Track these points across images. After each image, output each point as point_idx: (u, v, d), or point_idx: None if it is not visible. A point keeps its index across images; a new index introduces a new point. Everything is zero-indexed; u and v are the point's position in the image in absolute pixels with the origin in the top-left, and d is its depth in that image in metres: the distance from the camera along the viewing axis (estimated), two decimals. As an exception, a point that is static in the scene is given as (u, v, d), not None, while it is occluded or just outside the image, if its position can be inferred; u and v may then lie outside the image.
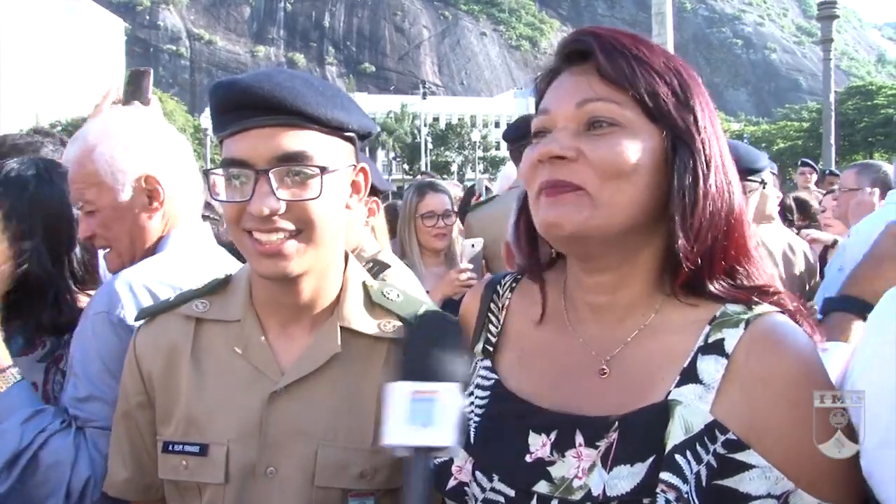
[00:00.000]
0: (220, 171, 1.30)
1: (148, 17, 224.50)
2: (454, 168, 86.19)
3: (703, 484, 1.02)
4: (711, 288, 1.14)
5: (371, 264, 2.58)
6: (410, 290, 1.65)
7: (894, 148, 59.35)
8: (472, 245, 3.19)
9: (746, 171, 2.69)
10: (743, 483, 1.02)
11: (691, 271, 1.12)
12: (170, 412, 1.42)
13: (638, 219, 1.11)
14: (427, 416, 1.06)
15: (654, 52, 1.14)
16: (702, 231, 1.11)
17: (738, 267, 1.16)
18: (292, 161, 1.25)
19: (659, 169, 1.11)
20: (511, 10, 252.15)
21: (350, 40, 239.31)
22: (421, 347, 1.16)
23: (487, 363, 1.29)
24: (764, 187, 2.92)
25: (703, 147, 1.12)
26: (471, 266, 3.14)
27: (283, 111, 1.25)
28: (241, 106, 1.26)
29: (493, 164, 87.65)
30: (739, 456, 1.03)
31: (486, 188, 5.59)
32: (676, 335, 1.14)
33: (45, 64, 61.34)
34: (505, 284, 1.37)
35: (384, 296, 1.47)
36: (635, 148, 1.09)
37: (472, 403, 1.26)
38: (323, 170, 1.26)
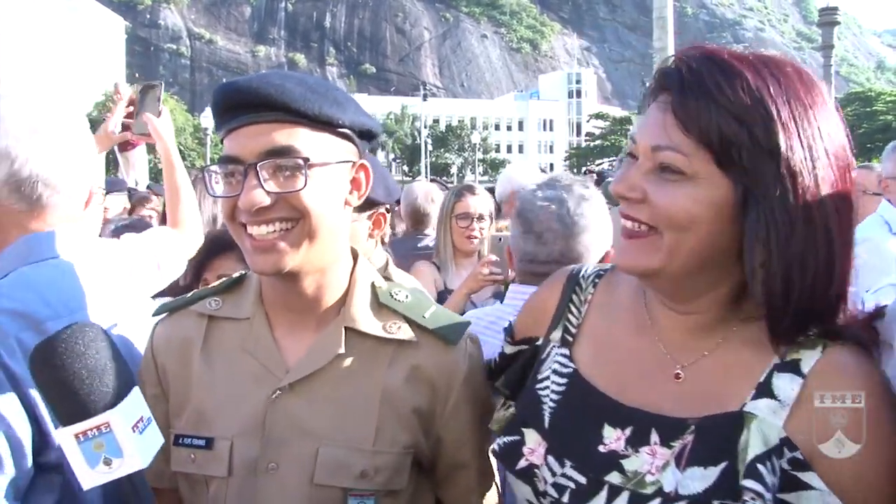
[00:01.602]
0: (216, 168, 1.35)
1: (149, 16, 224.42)
2: (454, 170, 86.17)
3: (773, 494, 1.06)
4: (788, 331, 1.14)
5: None
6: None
7: (893, 154, 59.34)
8: (500, 239, 3.14)
9: None
10: (801, 500, 1.06)
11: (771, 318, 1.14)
12: (182, 406, 1.46)
13: (704, 263, 1.14)
14: (109, 450, 1.03)
15: (741, 90, 1.08)
16: (776, 286, 1.10)
17: (820, 319, 1.14)
18: (279, 155, 1.28)
19: (725, 217, 1.10)
20: (512, 13, 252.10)
21: (351, 41, 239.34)
22: (61, 385, 1.08)
23: (565, 351, 1.34)
24: None
25: (784, 198, 1.07)
26: (495, 258, 3.10)
27: (270, 107, 1.29)
28: (234, 106, 1.31)
29: (493, 167, 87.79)
30: (802, 476, 1.07)
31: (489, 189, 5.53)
32: (753, 351, 1.16)
33: (46, 61, 61.26)
34: (588, 279, 1.41)
35: (392, 297, 1.48)
36: (694, 201, 1.10)
37: (547, 388, 1.31)
38: (306, 161, 1.29)
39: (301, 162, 1.28)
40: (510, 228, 2.34)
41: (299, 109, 1.30)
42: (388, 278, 2.55)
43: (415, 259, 4.07)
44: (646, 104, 1.21)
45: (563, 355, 1.33)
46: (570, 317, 1.38)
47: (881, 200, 4.10)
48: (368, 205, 2.24)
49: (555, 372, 1.32)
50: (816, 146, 1.09)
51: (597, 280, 1.41)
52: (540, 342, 1.40)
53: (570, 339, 1.35)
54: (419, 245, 4.42)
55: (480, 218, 3.78)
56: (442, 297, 3.62)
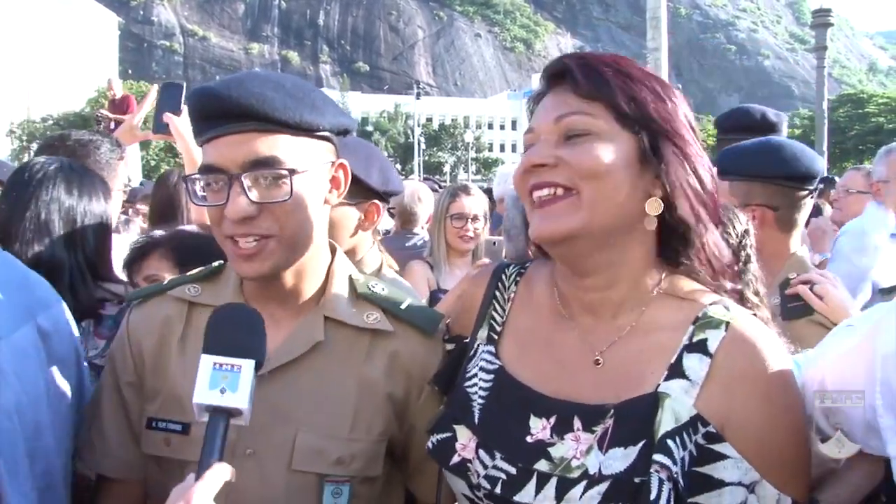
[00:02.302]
0: (198, 176, 1.36)
1: (142, 13, 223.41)
2: (447, 169, 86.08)
3: (685, 468, 1.14)
4: (685, 259, 1.29)
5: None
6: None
7: (885, 156, 59.60)
8: (494, 243, 3.17)
9: (800, 178, 2.38)
10: (717, 470, 1.15)
11: (672, 241, 1.28)
12: (157, 390, 1.47)
13: (621, 217, 1.23)
14: (227, 384, 1.19)
15: (631, 65, 1.27)
16: (687, 202, 1.24)
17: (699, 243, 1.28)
18: (263, 166, 1.30)
19: (634, 169, 1.23)
20: (506, 12, 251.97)
21: (344, 39, 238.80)
22: (226, 326, 1.25)
23: (491, 349, 1.39)
24: (819, 195, 2.57)
25: (685, 136, 1.25)
26: (489, 261, 3.12)
27: (253, 117, 1.30)
28: (214, 114, 1.31)
29: (486, 166, 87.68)
30: (716, 447, 1.16)
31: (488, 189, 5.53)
32: (664, 333, 1.25)
33: (38, 57, 60.92)
34: (511, 276, 1.46)
35: (370, 289, 1.51)
36: (608, 151, 1.21)
37: (476, 385, 1.36)
38: (292, 172, 1.31)
39: (286, 172, 1.31)
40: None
41: (280, 119, 1.31)
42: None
43: (403, 257, 4.03)
44: (534, 103, 1.34)
45: (489, 352, 1.38)
46: (495, 314, 1.43)
47: (867, 200, 4.14)
48: (361, 193, 2.17)
49: (482, 369, 1.37)
50: (688, 110, 1.29)
51: (518, 278, 1.46)
52: (468, 340, 1.44)
53: (496, 336, 1.40)
54: (407, 244, 4.44)
55: (475, 218, 3.81)
56: (435, 296, 3.61)
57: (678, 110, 1.26)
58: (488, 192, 5.21)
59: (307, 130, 1.36)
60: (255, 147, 1.30)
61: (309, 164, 1.36)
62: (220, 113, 1.31)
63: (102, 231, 2.11)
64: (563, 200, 1.22)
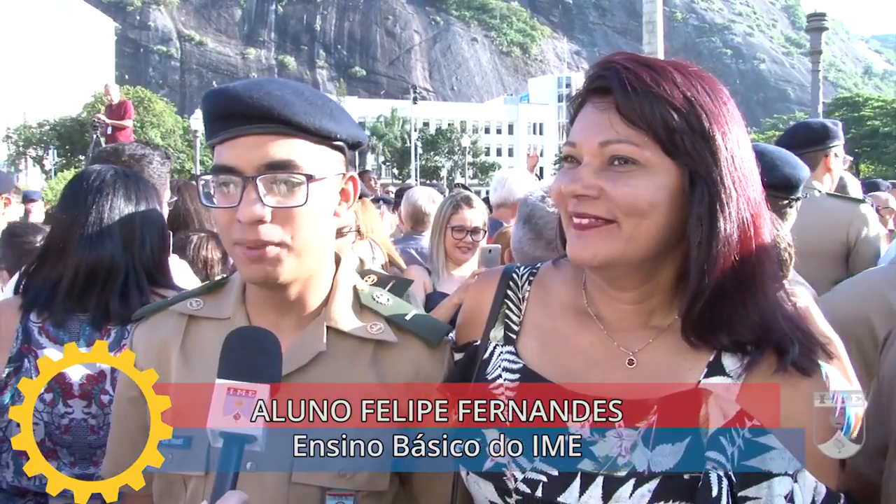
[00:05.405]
0: (210, 177, 1.34)
1: (138, 18, 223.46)
2: (443, 173, 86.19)
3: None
4: (715, 334, 1.22)
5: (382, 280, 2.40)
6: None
7: (880, 159, 59.85)
8: (490, 251, 3.20)
9: (780, 187, 2.34)
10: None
11: (699, 310, 1.21)
12: None
13: (659, 248, 1.21)
14: (242, 409, 1.18)
15: (674, 86, 1.19)
16: (717, 261, 1.19)
17: (747, 309, 1.22)
18: (280, 169, 1.29)
19: (677, 202, 1.19)
20: (502, 17, 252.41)
21: (341, 44, 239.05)
22: (241, 350, 1.24)
23: (510, 349, 1.36)
24: (796, 203, 2.48)
25: (721, 179, 1.18)
26: (486, 270, 3.17)
27: (271, 120, 1.29)
28: (231, 114, 1.30)
29: (483, 170, 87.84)
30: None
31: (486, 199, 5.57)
32: None
33: (34, 62, 60.94)
34: (523, 276, 1.45)
35: (374, 299, 1.50)
36: (652, 187, 1.17)
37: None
38: (309, 178, 1.30)
39: (303, 178, 1.29)
40: (514, 234, 2.36)
41: (300, 123, 1.31)
42: (367, 272, 2.47)
43: (412, 258, 4.30)
44: (572, 109, 1.30)
45: (510, 352, 1.36)
46: (510, 313, 1.41)
47: None
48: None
49: (505, 370, 1.34)
50: (738, 139, 1.22)
51: (531, 277, 1.44)
52: (478, 343, 1.42)
53: (513, 336, 1.38)
54: (415, 245, 4.60)
55: (475, 231, 3.88)
56: (431, 299, 3.68)
57: (722, 142, 1.19)
58: (486, 200, 5.26)
59: (324, 138, 1.35)
60: (273, 149, 1.29)
61: (324, 173, 1.34)
62: (237, 113, 1.29)
63: (160, 237, 2.16)
64: (601, 227, 1.21)
